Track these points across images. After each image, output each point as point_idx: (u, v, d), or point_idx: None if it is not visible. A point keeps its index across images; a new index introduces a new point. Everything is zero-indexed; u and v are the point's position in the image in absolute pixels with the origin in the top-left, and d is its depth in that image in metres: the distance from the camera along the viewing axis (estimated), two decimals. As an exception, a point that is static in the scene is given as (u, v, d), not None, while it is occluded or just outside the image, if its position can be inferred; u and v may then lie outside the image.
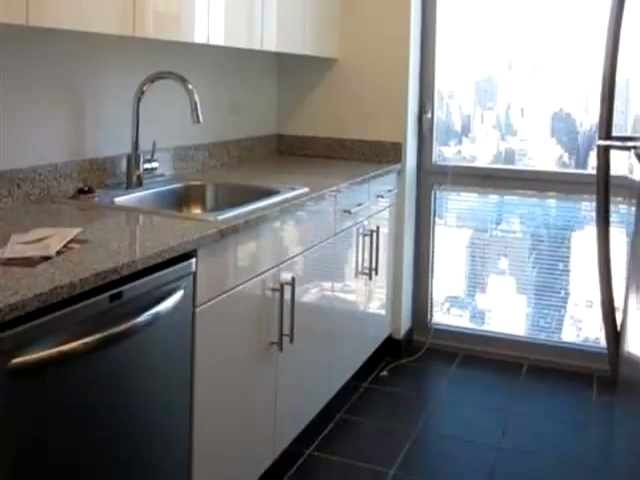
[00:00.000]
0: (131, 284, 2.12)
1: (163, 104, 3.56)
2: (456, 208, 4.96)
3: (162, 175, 3.56)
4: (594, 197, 2.68)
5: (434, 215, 4.87)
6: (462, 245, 4.97)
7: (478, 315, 4.99)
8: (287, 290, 3.07)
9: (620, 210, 3.99)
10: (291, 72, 4.76)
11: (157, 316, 2.20)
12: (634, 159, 2.57)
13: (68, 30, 2.50)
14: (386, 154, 4.54)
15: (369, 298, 4.27)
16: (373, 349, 4.39)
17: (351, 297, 4.02)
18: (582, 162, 4.71)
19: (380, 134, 4.57)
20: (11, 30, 2.57)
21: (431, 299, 4.95)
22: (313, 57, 4.45)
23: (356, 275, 3.99)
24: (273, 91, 4.78)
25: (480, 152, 4.90)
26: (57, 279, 1.86)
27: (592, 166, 4.41)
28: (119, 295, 2.07)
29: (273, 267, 3.01)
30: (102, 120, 3.26)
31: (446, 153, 4.91)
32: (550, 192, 4.67)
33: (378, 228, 4.13)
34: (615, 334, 2.64)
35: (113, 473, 2.15)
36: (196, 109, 3.15)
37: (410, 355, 4.72)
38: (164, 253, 2.24)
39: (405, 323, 4.81)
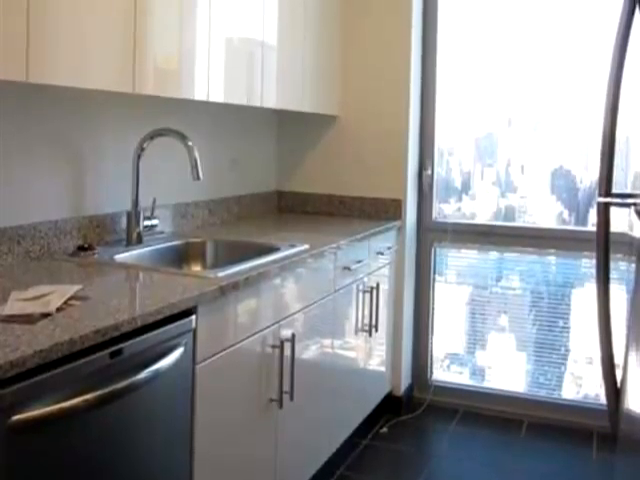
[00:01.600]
0: (131, 341, 2.11)
1: (163, 161, 3.58)
2: (456, 265, 4.96)
3: (162, 232, 3.56)
4: (594, 254, 2.68)
5: (434, 272, 4.87)
6: (462, 302, 4.97)
7: (478, 372, 4.97)
8: (287, 347, 3.06)
9: (620, 267, 3.99)
10: (291, 129, 4.80)
11: (157, 373, 2.20)
12: (634, 216, 2.58)
13: (68, 87, 2.52)
14: (386, 211, 4.56)
15: (369, 355, 4.26)
16: (373, 406, 4.37)
17: (351, 354, 4.00)
18: (582, 219, 4.71)
19: (380, 191, 4.58)
20: (11, 86, 2.59)
21: (431, 356, 4.93)
22: (313, 114, 4.48)
23: (356, 332, 3.97)
24: (273, 148, 4.81)
25: (480, 209, 4.91)
26: (57, 336, 1.86)
27: (592, 223, 4.42)
28: (119, 352, 2.06)
29: (273, 324, 3.00)
30: (102, 177, 3.28)
31: (446, 210, 4.92)
32: (550, 249, 4.68)
33: (378, 285, 4.13)
34: (615, 391, 2.63)
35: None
36: (196, 166, 3.15)
37: (410, 412, 4.69)
38: (164, 310, 2.24)
39: (405, 380, 4.78)
